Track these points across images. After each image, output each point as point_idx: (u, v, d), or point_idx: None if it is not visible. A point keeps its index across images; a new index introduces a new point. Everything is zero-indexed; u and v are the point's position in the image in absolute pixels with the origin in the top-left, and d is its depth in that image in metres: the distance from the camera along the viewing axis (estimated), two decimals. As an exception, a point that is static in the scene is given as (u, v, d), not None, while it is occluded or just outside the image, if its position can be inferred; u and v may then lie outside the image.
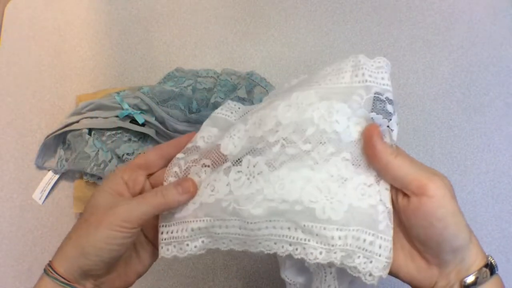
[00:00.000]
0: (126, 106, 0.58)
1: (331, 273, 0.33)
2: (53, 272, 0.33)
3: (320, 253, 0.30)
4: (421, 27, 0.69)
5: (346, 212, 0.30)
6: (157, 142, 0.60)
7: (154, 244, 0.37)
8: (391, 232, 0.31)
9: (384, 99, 0.31)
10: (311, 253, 0.30)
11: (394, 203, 0.32)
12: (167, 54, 0.67)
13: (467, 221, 0.30)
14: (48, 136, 0.59)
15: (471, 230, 0.30)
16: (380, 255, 0.30)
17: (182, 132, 0.60)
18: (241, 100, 0.61)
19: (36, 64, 0.67)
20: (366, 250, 0.30)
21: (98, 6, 0.71)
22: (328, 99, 0.32)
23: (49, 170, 0.60)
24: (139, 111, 0.58)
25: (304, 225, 0.30)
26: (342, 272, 0.33)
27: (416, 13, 0.69)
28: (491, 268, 0.30)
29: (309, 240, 0.30)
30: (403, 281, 0.33)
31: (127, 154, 0.58)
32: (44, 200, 0.59)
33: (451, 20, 0.69)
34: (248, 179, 0.33)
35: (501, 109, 0.64)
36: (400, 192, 0.31)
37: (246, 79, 0.64)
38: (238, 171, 0.33)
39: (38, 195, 0.59)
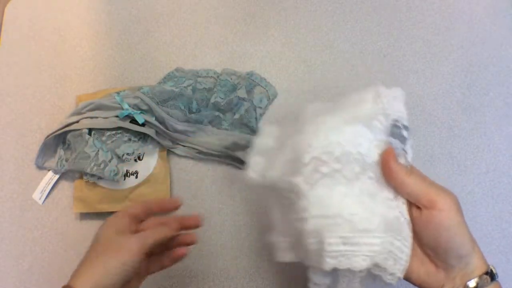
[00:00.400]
0: (126, 106, 0.58)
1: (360, 277, 0.36)
2: None
3: (364, 260, 0.33)
4: (421, 27, 0.69)
5: (380, 221, 0.34)
6: (157, 142, 0.60)
7: (138, 272, 0.44)
8: (411, 240, 0.35)
9: (400, 126, 0.36)
10: (356, 262, 0.33)
11: (408, 214, 0.36)
12: (167, 54, 0.67)
13: (470, 230, 0.34)
14: (48, 136, 0.59)
15: (475, 241, 0.34)
16: (401, 259, 0.34)
17: (182, 132, 0.60)
18: (241, 100, 0.61)
19: (36, 64, 0.67)
20: (395, 254, 0.34)
21: (98, 6, 0.71)
22: (352, 124, 0.36)
23: (49, 170, 0.60)
24: (139, 111, 0.58)
25: (347, 236, 0.33)
26: (367, 275, 0.36)
27: (416, 13, 0.69)
28: (491, 275, 0.34)
29: (352, 251, 0.33)
30: (414, 283, 0.36)
31: (127, 154, 0.58)
32: (44, 200, 0.60)
33: (451, 20, 0.69)
34: (295, 201, 0.36)
35: (501, 109, 0.64)
36: (413, 205, 0.35)
37: (246, 79, 0.64)
38: (287, 196, 0.37)
39: (38, 195, 0.59)
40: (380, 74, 0.66)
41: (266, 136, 0.43)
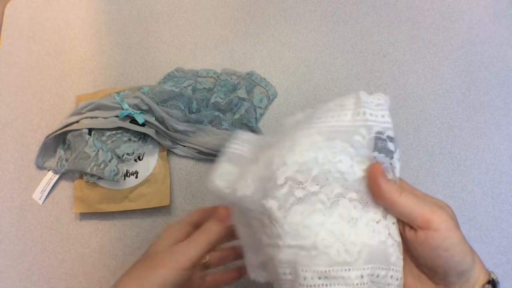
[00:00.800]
0: (126, 106, 0.58)
1: None
2: None
3: None
4: (421, 27, 0.69)
5: (360, 251, 0.31)
6: (157, 142, 0.60)
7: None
8: (401, 263, 0.32)
9: (385, 138, 0.32)
10: None
11: (401, 233, 0.33)
12: (167, 54, 0.67)
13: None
14: (48, 136, 0.59)
15: (474, 252, 0.32)
16: (391, 284, 0.32)
17: (182, 132, 0.60)
18: (241, 100, 0.61)
19: (36, 64, 0.67)
20: (379, 283, 0.32)
21: (98, 6, 0.71)
22: (331, 139, 0.32)
23: (49, 170, 0.60)
24: (139, 111, 0.58)
25: (323, 270, 0.31)
26: None
27: (416, 13, 0.69)
28: (493, 284, 0.32)
29: (328, 285, 0.31)
30: None
31: (127, 154, 0.59)
32: (44, 200, 0.60)
33: (451, 20, 0.69)
34: (267, 225, 0.33)
35: (501, 109, 0.64)
36: (406, 224, 0.32)
37: (246, 79, 0.64)
38: (258, 217, 0.34)
39: (38, 195, 0.59)
40: (380, 74, 0.66)
41: (240, 144, 0.39)
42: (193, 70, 0.65)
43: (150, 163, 0.59)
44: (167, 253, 0.36)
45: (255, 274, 0.37)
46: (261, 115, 0.63)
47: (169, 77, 0.64)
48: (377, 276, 0.31)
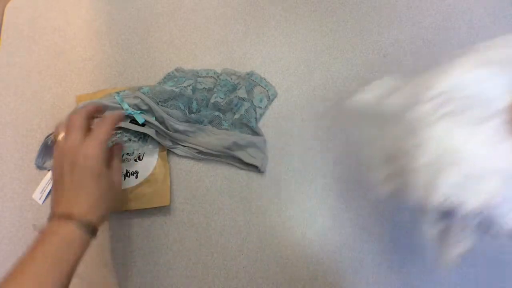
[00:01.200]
0: (126, 106, 0.58)
1: (473, 224, 0.35)
2: (86, 222, 0.44)
3: (474, 202, 0.32)
4: (421, 27, 0.69)
5: (496, 171, 0.32)
6: (157, 142, 0.60)
7: None
8: None
9: None
10: (468, 201, 0.32)
11: None
12: (167, 54, 0.67)
13: None
14: (48, 136, 0.59)
15: None
16: None
17: (182, 132, 0.60)
18: (241, 100, 0.61)
19: (36, 64, 0.67)
20: (508, 203, 0.32)
21: (98, 6, 0.71)
22: (486, 67, 0.34)
23: (49, 170, 0.60)
24: (139, 111, 0.58)
25: (456, 181, 0.32)
26: (480, 224, 0.35)
27: (416, 13, 0.69)
28: None
29: (466, 190, 0.32)
30: None
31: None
32: (44, 200, 0.60)
33: (451, 20, 0.69)
34: (406, 136, 0.35)
35: (501, 109, 0.64)
36: None
37: (246, 79, 0.64)
38: (396, 129, 0.36)
39: (38, 195, 0.59)
40: (380, 74, 0.66)
41: (387, 80, 0.42)
42: (193, 70, 0.65)
43: (150, 163, 0.59)
44: (108, 172, 0.48)
45: (380, 189, 0.39)
46: (261, 115, 0.63)
47: (169, 77, 0.64)
48: (507, 197, 0.32)
